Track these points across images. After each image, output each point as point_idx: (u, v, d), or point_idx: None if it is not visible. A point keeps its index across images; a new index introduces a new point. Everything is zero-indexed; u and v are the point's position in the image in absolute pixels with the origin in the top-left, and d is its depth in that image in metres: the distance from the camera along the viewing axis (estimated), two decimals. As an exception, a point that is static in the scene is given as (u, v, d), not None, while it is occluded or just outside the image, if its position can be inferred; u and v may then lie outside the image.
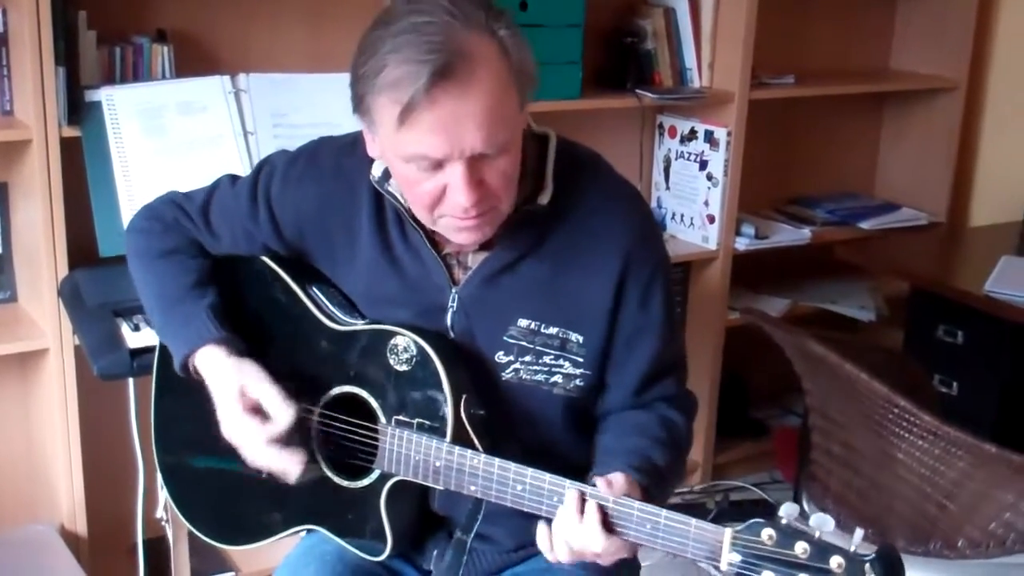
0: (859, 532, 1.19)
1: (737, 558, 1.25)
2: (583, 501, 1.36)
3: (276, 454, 1.54)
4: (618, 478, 1.37)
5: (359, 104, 1.40)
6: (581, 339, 1.53)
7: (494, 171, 1.40)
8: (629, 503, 1.34)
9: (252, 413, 1.55)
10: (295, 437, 1.56)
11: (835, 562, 1.19)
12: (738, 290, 3.32)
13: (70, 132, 2.31)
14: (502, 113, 1.36)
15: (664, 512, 1.32)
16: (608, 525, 1.35)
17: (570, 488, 1.37)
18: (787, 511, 1.23)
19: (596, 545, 1.35)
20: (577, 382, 1.55)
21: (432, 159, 1.37)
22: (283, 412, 1.53)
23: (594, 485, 1.38)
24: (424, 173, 1.39)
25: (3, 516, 2.61)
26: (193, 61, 2.55)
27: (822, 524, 1.21)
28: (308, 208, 1.60)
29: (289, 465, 1.54)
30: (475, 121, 1.34)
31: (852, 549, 1.20)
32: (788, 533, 1.23)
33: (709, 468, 3.40)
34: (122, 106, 2.33)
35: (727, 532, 1.27)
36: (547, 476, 1.40)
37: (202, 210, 1.69)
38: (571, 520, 1.36)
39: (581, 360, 1.54)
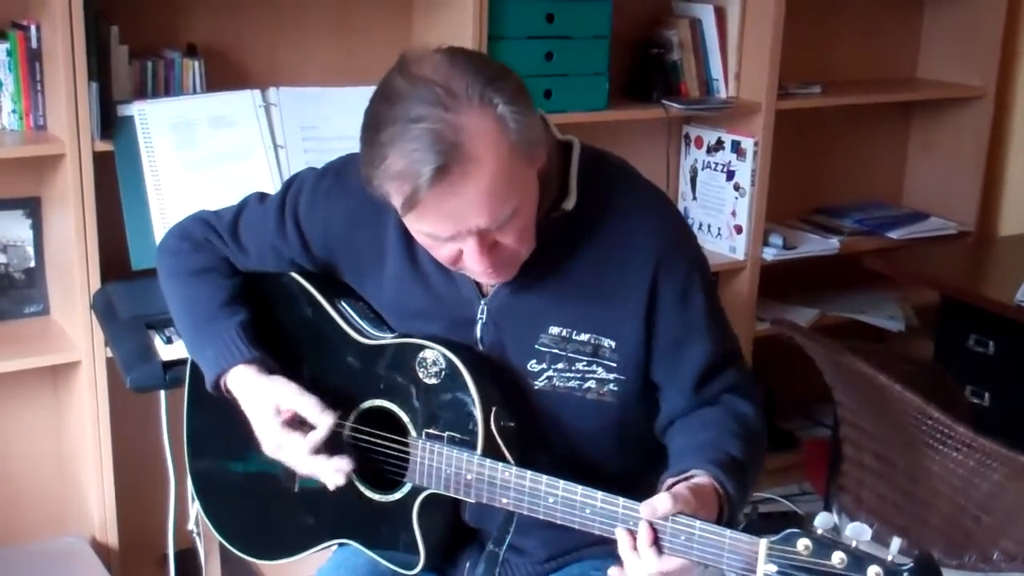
0: (896, 541, 1.18)
1: (773, 569, 1.25)
2: (633, 537, 1.35)
3: (322, 463, 1.55)
4: (663, 498, 1.33)
5: (368, 183, 1.40)
6: (614, 344, 1.52)
7: (507, 233, 1.41)
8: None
9: (290, 427, 1.56)
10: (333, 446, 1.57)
11: (873, 571, 1.18)
12: (766, 300, 3.30)
13: (103, 146, 2.33)
14: (507, 188, 1.36)
15: (698, 523, 1.31)
16: (659, 546, 1.33)
17: (619, 528, 1.36)
18: (822, 521, 1.23)
19: (651, 567, 1.33)
20: (611, 387, 1.54)
21: (442, 238, 1.40)
22: (322, 419, 1.55)
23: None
24: (438, 242, 1.42)
25: (35, 527, 2.62)
26: (224, 75, 2.57)
27: (858, 534, 1.21)
28: (336, 224, 1.62)
29: (335, 472, 1.55)
30: (477, 206, 1.35)
31: (889, 558, 1.19)
32: (824, 543, 1.22)
33: (738, 479, 3.37)
34: (154, 120, 2.35)
35: (762, 543, 1.26)
36: (579, 488, 1.40)
37: (231, 227, 1.70)
38: (630, 556, 1.35)
39: (614, 365, 1.53)
